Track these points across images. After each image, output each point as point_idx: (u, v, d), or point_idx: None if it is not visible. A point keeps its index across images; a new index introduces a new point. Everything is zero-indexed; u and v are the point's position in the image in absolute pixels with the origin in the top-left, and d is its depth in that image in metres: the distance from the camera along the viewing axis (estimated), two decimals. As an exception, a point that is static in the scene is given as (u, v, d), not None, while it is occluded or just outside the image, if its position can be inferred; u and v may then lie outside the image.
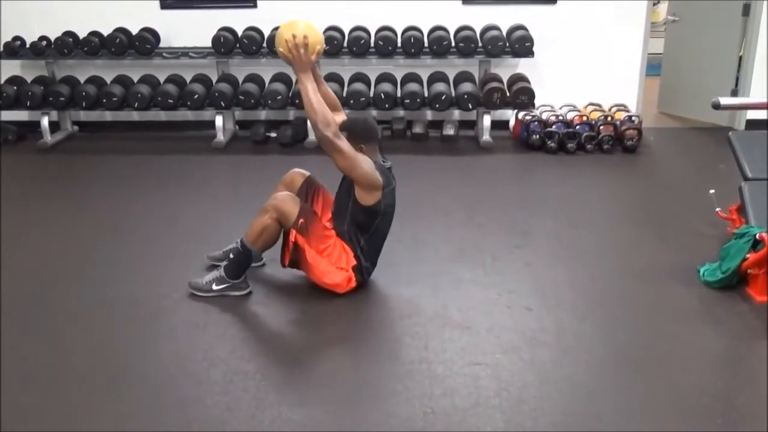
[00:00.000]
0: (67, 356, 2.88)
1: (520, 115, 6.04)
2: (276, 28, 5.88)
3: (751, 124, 6.21)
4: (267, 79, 6.12)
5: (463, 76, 6.06)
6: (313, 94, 3.07)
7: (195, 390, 2.62)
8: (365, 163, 3.12)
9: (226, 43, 5.94)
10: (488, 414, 2.47)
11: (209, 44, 5.99)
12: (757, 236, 3.23)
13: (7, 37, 6.16)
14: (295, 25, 3.10)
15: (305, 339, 3.07)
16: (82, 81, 6.18)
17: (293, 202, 3.20)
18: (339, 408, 2.53)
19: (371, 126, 3.31)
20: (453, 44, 5.92)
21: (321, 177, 3.58)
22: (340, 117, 3.38)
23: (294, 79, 6.09)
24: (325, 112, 3.04)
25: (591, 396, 2.59)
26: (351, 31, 6.00)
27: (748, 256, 3.24)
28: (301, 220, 3.16)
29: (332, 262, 3.24)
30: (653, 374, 2.72)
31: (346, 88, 5.95)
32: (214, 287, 3.30)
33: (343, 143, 3.06)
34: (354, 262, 3.27)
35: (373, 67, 6.19)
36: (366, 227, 3.27)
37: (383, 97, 5.79)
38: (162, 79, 6.18)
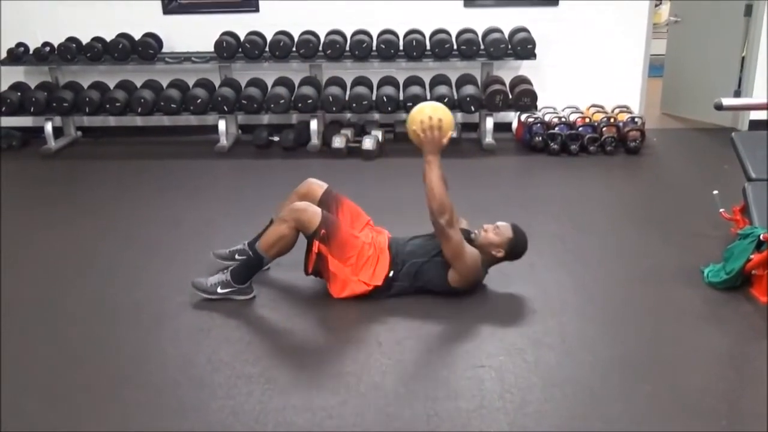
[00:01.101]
0: (70, 360, 2.88)
1: (523, 117, 6.04)
2: (281, 32, 5.95)
3: (755, 125, 6.21)
4: (269, 84, 6.13)
5: (466, 79, 6.06)
6: (437, 179, 3.09)
7: (199, 394, 2.62)
8: (470, 258, 3.15)
9: (228, 48, 5.96)
10: (492, 416, 2.47)
11: (212, 49, 6.01)
12: (761, 237, 3.22)
13: (11, 44, 6.19)
14: (433, 109, 3.15)
15: (309, 342, 3.07)
16: (85, 86, 6.19)
17: (312, 211, 3.19)
18: (343, 411, 2.52)
19: (525, 251, 3.33)
20: (455, 47, 5.93)
21: (326, 180, 3.56)
22: (463, 223, 3.44)
23: (296, 83, 6.10)
24: (443, 200, 3.06)
25: (595, 398, 2.59)
26: (353, 34, 6.01)
27: (752, 256, 3.24)
28: (323, 231, 3.15)
29: (355, 272, 3.22)
30: (657, 376, 2.71)
31: (348, 92, 5.96)
32: (219, 290, 3.30)
33: (454, 233, 3.09)
34: (379, 283, 3.24)
35: (375, 71, 6.20)
36: (430, 287, 3.27)
37: (386, 100, 5.79)
38: (165, 84, 6.20)
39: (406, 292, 3.31)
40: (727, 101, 3.61)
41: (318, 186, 3.51)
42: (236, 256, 3.56)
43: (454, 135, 3.23)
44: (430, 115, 3.09)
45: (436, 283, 3.25)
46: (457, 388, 2.63)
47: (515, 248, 3.27)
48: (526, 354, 2.84)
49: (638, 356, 2.86)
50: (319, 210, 3.22)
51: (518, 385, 2.63)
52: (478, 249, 3.23)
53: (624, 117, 5.97)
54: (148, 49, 6.04)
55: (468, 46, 5.87)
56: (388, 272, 3.25)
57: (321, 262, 3.21)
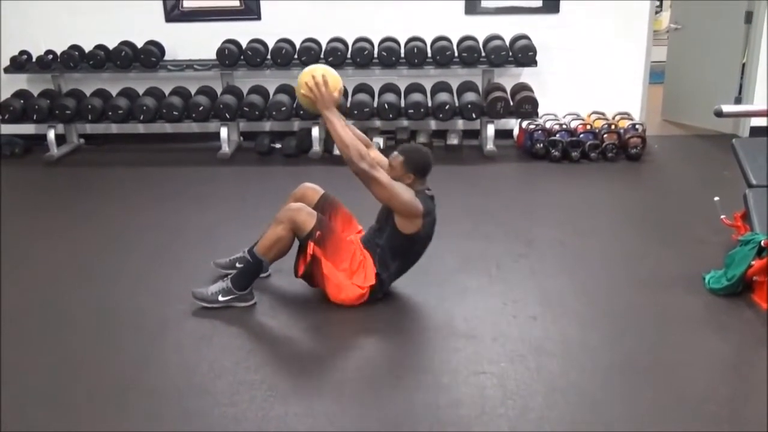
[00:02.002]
0: (72, 367, 2.89)
1: (524, 124, 6.05)
2: (282, 39, 5.97)
3: (755, 131, 6.21)
4: (271, 91, 6.14)
5: (467, 86, 6.08)
6: (341, 129, 3.10)
7: (201, 401, 2.63)
8: (404, 193, 3.13)
9: (230, 56, 5.98)
10: (494, 423, 2.47)
11: (214, 56, 6.03)
12: (762, 243, 3.23)
13: (14, 52, 6.21)
14: (312, 69, 3.21)
15: (311, 349, 3.08)
16: (88, 94, 6.22)
17: (307, 213, 3.20)
18: (345, 418, 2.53)
19: (429, 160, 3.29)
20: (456, 54, 5.95)
21: (328, 187, 3.58)
22: (374, 153, 3.39)
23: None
24: (357, 145, 3.07)
25: (597, 404, 2.59)
26: (354, 42, 6.03)
27: (753, 263, 3.24)
28: (319, 233, 3.16)
29: (348, 277, 3.23)
30: (659, 382, 2.71)
31: (350, 99, 5.98)
32: (220, 298, 3.30)
33: (380, 174, 3.07)
34: (372, 282, 3.25)
35: (376, 78, 6.22)
36: (403, 253, 3.29)
37: (387, 107, 5.81)
38: (167, 92, 6.22)
39: (393, 278, 3.33)
40: (727, 108, 3.62)
41: (313, 190, 3.53)
42: (237, 265, 3.57)
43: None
44: (313, 75, 3.13)
45: (398, 245, 3.25)
46: (458, 395, 2.63)
47: (414, 165, 3.21)
48: (528, 360, 2.85)
49: (640, 362, 2.86)
50: (314, 212, 3.24)
51: (520, 392, 2.63)
52: None
53: (625, 124, 5.98)
54: (150, 56, 6.06)
55: (469, 54, 5.88)
56: (375, 269, 3.26)
57: (314, 266, 3.21)
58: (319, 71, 3.17)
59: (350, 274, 3.23)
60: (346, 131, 3.11)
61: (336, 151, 5.84)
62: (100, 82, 6.37)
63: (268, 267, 3.52)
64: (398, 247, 3.26)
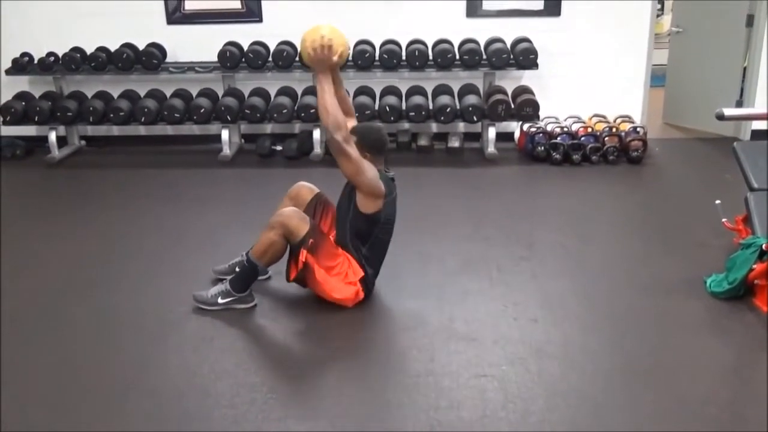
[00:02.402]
0: (74, 370, 2.89)
1: (525, 126, 6.05)
2: (284, 42, 5.98)
3: (757, 135, 6.20)
4: (272, 93, 6.15)
5: (468, 89, 6.08)
6: (328, 95, 3.10)
7: (201, 403, 2.63)
8: (369, 171, 3.14)
9: (231, 58, 5.98)
10: (495, 426, 2.47)
11: (215, 59, 6.04)
12: (764, 247, 3.22)
13: (16, 53, 6.22)
14: (320, 28, 3.19)
15: (311, 352, 3.08)
16: (89, 96, 6.22)
17: (299, 218, 3.20)
18: (345, 421, 2.52)
19: (382, 137, 3.31)
20: (457, 57, 5.95)
21: (327, 189, 3.59)
22: (352, 122, 3.40)
23: (299, 92, 6.13)
24: (337, 115, 3.06)
25: (598, 407, 2.58)
26: (356, 44, 6.03)
27: (754, 266, 3.24)
28: (311, 240, 3.16)
29: (342, 279, 3.24)
30: (661, 385, 2.71)
31: (351, 102, 5.98)
32: (220, 300, 3.31)
33: (351, 149, 3.08)
34: (361, 273, 3.27)
35: (378, 80, 6.22)
36: (366, 236, 3.29)
37: (388, 109, 5.81)
38: (168, 94, 6.22)
39: (372, 264, 3.33)
40: (728, 111, 3.62)
41: (308, 189, 3.54)
42: (236, 269, 3.57)
43: (349, 55, 3.24)
44: (322, 35, 3.13)
45: (362, 228, 3.26)
46: (459, 398, 2.63)
47: (369, 143, 3.22)
48: (529, 364, 2.84)
49: (641, 365, 2.86)
50: (307, 218, 3.24)
51: (521, 395, 2.63)
52: None
53: (626, 127, 5.98)
54: (151, 59, 6.07)
55: (470, 56, 5.89)
56: (358, 260, 3.28)
57: (306, 272, 3.21)
58: (326, 32, 3.15)
59: (343, 278, 3.25)
60: (332, 99, 3.10)
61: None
62: (102, 84, 6.38)
63: (267, 270, 3.53)
64: (362, 230, 3.27)
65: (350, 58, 5.97)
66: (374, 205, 3.21)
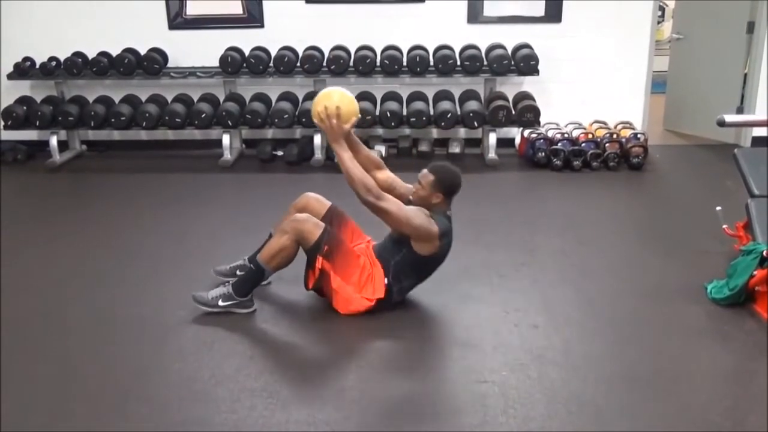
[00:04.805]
0: (74, 374, 2.89)
1: (526, 132, 6.06)
2: (285, 47, 5.99)
3: (758, 141, 6.21)
4: (274, 98, 6.16)
5: (469, 95, 6.09)
6: (349, 162, 3.10)
7: (202, 408, 2.62)
8: (416, 217, 3.13)
9: (233, 63, 6.00)
10: (496, 432, 2.46)
11: (216, 64, 6.05)
12: (764, 253, 3.22)
13: (17, 58, 6.23)
14: (329, 96, 3.18)
15: (312, 356, 3.07)
16: (90, 101, 6.23)
17: (313, 224, 3.18)
18: (346, 426, 2.52)
19: (459, 181, 3.28)
20: (458, 63, 5.96)
21: (329, 195, 3.58)
22: (385, 173, 3.41)
23: (300, 98, 6.14)
24: (363, 179, 3.07)
25: (599, 414, 2.58)
26: (357, 50, 6.05)
27: (755, 273, 3.23)
28: (327, 247, 3.14)
29: (357, 290, 3.22)
30: (662, 392, 2.70)
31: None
32: (220, 303, 3.30)
33: (387, 203, 3.09)
34: (381, 295, 3.24)
35: (379, 86, 6.23)
36: (417, 271, 3.28)
37: (389, 115, 5.82)
38: (170, 99, 6.23)
39: (404, 293, 3.32)
40: (729, 118, 3.63)
41: (318, 202, 3.50)
42: (237, 272, 3.56)
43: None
44: (326, 105, 3.11)
45: (414, 265, 3.25)
46: (459, 404, 2.62)
47: (445, 185, 3.22)
48: (530, 369, 2.84)
49: (642, 372, 2.85)
50: (321, 223, 3.22)
51: (521, 401, 2.63)
52: (421, 207, 3.22)
53: (627, 133, 5.99)
54: (153, 63, 6.08)
55: (471, 62, 5.90)
56: (385, 281, 3.25)
57: (323, 279, 3.20)
58: (333, 100, 3.14)
59: (359, 288, 3.23)
60: (353, 163, 3.11)
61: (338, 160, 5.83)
62: (103, 89, 6.39)
63: (270, 275, 3.52)
64: (414, 266, 3.26)
65: (351, 63, 6.00)
66: (431, 246, 3.19)
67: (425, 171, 3.25)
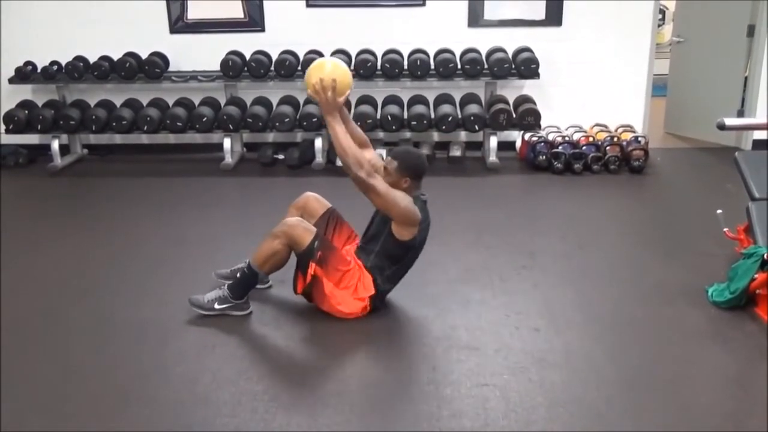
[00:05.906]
0: (74, 377, 2.89)
1: (527, 136, 6.07)
2: (286, 51, 5.99)
3: (758, 145, 6.21)
4: (275, 102, 6.17)
5: (470, 98, 6.10)
6: (342, 136, 3.08)
7: (203, 412, 2.62)
8: (402, 200, 3.12)
9: (234, 67, 6.00)
10: (497, 435, 2.46)
11: (218, 68, 6.06)
12: (765, 256, 3.22)
13: (19, 62, 6.24)
14: (323, 67, 3.14)
15: (313, 360, 3.07)
16: (92, 105, 6.25)
17: (303, 228, 3.19)
18: (347, 429, 2.52)
19: (423, 162, 3.28)
20: (459, 66, 5.97)
21: (330, 198, 3.59)
22: (370, 152, 3.37)
23: (301, 101, 6.15)
24: (356, 153, 3.05)
25: (601, 417, 2.58)
26: (358, 54, 6.06)
27: (756, 276, 3.23)
28: (320, 253, 3.15)
29: (351, 294, 3.23)
30: (663, 395, 2.70)
31: (353, 111, 5.99)
32: (216, 306, 3.30)
33: (377, 182, 3.06)
34: (372, 291, 3.24)
35: (379, 90, 6.24)
36: (398, 259, 3.28)
37: (390, 118, 5.83)
38: (171, 103, 6.24)
39: (391, 281, 3.32)
40: (729, 121, 3.63)
41: (317, 203, 3.52)
42: (237, 275, 3.57)
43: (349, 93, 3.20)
44: (322, 77, 3.07)
45: (395, 253, 3.24)
46: (461, 407, 2.62)
47: (409, 168, 3.19)
48: (531, 373, 2.84)
49: (643, 375, 2.85)
50: (312, 227, 3.23)
51: (523, 405, 2.62)
52: None
53: (627, 136, 5.99)
54: (154, 67, 6.09)
55: (472, 66, 5.91)
56: (373, 278, 3.25)
57: (315, 285, 3.20)
58: (328, 72, 3.10)
59: (353, 291, 3.23)
60: (346, 138, 3.09)
61: (339, 162, 5.84)
62: (105, 93, 6.40)
63: (267, 278, 3.53)
64: (393, 253, 3.26)
65: (352, 67, 6.00)
66: (410, 232, 3.19)
67: (389, 158, 3.25)
